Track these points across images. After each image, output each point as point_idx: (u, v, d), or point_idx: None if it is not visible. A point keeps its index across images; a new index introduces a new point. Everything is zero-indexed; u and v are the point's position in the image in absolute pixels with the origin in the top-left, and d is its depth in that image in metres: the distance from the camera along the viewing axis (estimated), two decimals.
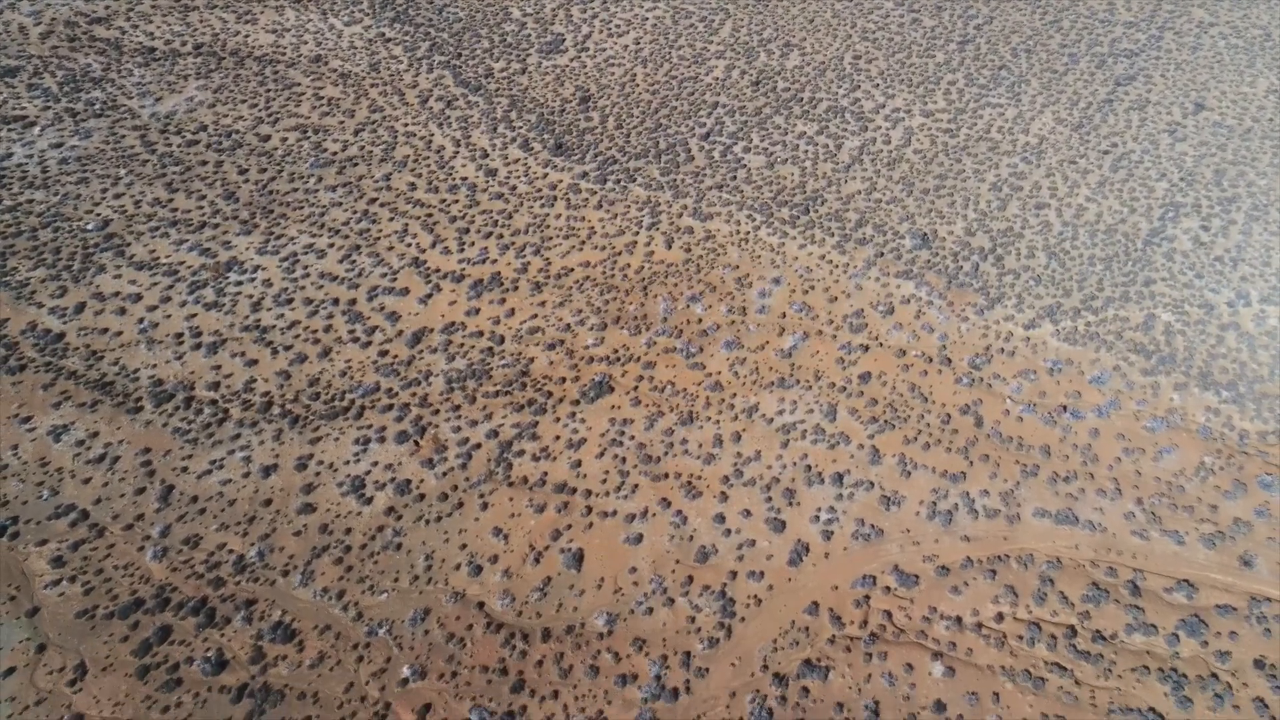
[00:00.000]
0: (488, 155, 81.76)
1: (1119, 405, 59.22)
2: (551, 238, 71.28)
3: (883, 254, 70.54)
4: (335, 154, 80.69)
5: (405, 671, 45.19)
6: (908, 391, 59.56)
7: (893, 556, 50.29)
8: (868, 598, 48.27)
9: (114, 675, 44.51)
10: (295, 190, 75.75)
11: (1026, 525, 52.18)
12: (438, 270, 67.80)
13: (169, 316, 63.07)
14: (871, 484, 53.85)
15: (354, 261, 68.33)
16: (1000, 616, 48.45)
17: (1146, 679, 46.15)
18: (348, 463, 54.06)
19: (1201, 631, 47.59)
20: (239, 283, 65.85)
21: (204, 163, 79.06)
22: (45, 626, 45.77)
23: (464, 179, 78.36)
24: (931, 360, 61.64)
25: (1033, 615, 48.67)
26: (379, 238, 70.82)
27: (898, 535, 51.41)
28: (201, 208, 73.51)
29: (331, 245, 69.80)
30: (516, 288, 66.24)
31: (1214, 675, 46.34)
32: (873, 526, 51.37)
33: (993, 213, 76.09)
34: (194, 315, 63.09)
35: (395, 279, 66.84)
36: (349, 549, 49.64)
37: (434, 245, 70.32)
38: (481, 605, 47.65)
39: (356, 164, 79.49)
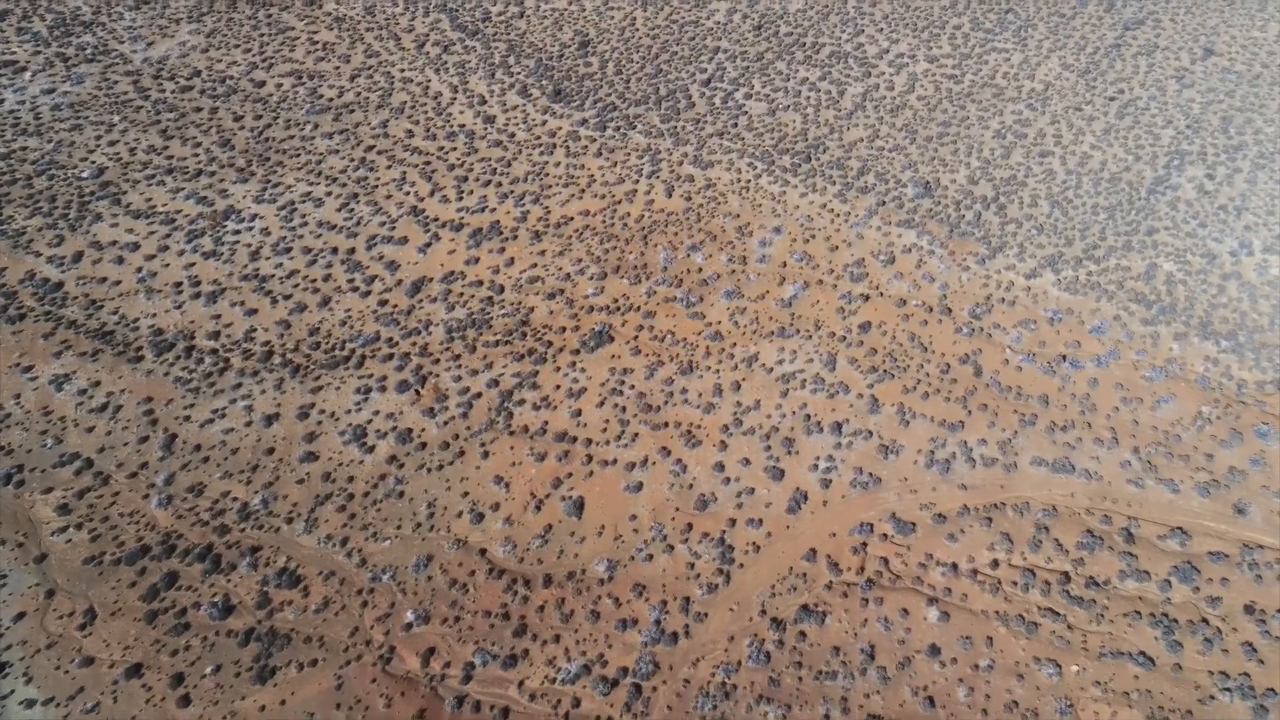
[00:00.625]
0: (485, 102, 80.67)
1: (1118, 355, 59.29)
2: (550, 186, 70.66)
3: (884, 203, 70.02)
4: (331, 100, 79.61)
5: (409, 616, 45.91)
6: (907, 341, 59.57)
7: (890, 504, 50.78)
8: (865, 545, 48.86)
9: (123, 620, 45.23)
10: (292, 137, 74.90)
11: (1024, 474, 52.59)
12: (436, 219, 67.34)
13: (167, 265, 62.82)
14: (870, 433, 54.15)
15: (352, 210, 67.84)
16: (995, 563, 49.07)
17: (1138, 624, 46.90)
18: (349, 411, 54.30)
19: (1194, 578, 48.25)
20: (237, 231, 65.46)
21: (199, 109, 78.03)
22: (53, 572, 46.40)
23: (461, 126, 77.42)
24: (932, 310, 61.55)
25: (1027, 562, 49.30)
26: (376, 186, 70.22)
27: (895, 484, 51.84)
28: (197, 155, 72.76)
29: (329, 194, 69.22)
30: (516, 236, 65.85)
31: (1204, 620, 47.10)
32: (871, 475, 51.80)
33: (996, 160, 75.35)
34: (192, 264, 62.83)
35: (394, 228, 66.41)
36: (352, 497, 50.10)
37: (432, 194, 69.74)
38: (484, 552, 48.25)
39: (353, 110, 78.47)
